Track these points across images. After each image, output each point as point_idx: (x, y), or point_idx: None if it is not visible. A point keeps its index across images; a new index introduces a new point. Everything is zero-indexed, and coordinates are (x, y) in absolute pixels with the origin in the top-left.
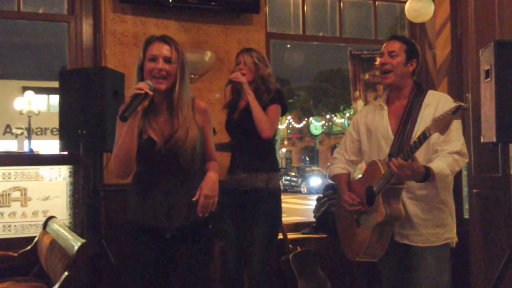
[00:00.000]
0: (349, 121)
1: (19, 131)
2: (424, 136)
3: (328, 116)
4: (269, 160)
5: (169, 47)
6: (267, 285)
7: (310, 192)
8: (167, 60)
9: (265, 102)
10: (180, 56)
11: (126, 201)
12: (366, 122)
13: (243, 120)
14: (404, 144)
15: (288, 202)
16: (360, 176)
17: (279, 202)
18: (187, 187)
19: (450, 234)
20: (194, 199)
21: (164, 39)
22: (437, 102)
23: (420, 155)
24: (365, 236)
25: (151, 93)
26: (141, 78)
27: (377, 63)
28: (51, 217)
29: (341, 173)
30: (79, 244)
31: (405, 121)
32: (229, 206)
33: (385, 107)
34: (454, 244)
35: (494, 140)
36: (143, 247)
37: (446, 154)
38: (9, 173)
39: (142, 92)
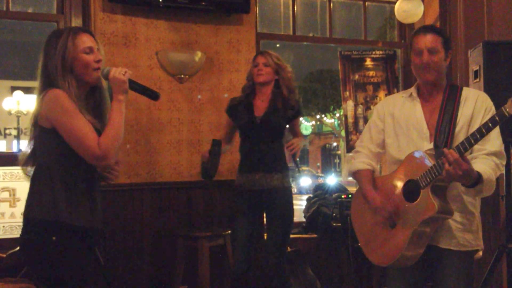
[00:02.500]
0: (339, 121)
1: (14, 132)
2: (501, 116)
3: (318, 116)
4: (282, 160)
5: (91, 36)
6: (282, 274)
7: (300, 192)
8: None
9: (291, 113)
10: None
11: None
12: (393, 113)
13: (269, 122)
14: (447, 138)
15: None
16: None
17: (292, 199)
18: (98, 192)
19: (480, 242)
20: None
21: (88, 31)
22: (477, 96)
23: None
24: (404, 237)
25: None
26: (62, 73)
27: (419, 59)
28: None
29: (365, 169)
30: None
31: (444, 114)
32: (243, 206)
33: (418, 98)
34: (481, 253)
35: None
36: (82, 250)
37: (485, 156)
38: None
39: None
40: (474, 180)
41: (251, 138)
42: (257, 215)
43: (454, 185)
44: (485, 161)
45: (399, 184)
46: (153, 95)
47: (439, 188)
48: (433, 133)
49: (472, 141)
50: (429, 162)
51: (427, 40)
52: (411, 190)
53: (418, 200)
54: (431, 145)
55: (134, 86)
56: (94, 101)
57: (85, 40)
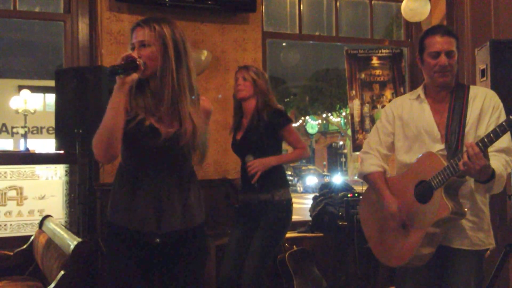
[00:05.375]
0: (345, 120)
1: (22, 130)
2: (510, 125)
3: (324, 115)
4: (273, 178)
5: (143, 29)
6: None
7: (306, 191)
8: (142, 44)
9: (272, 125)
10: (160, 36)
11: (110, 199)
12: (402, 116)
13: (246, 141)
14: (458, 138)
15: None
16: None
17: (284, 214)
18: (181, 189)
19: (492, 240)
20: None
21: (139, 23)
22: (485, 94)
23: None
24: (416, 237)
25: (142, 67)
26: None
27: (435, 61)
28: (47, 216)
29: (377, 171)
30: (75, 243)
31: (453, 115)
32: (236, 219)
33: (426, 100)
34: (489, 252)
35: None
36: (129, 251)
37: (495, 152)
38: (5, 172)
39: (138, 58)
40: (488, 176)
41: (240, 159)
42: (248, 227)
43: (466, 183)
44: (495, 157)
45: (411, 185)
46: (133, 65)
47: (452, 189)
48: (444, 134)
49: (482, 144)
50: (441, 163)
51: (445, 43)
52: (423, 191)
53: (430, 201)
54: (442, 146)
55: (116, 71)
56: (151, 89)
57: (133, 36)
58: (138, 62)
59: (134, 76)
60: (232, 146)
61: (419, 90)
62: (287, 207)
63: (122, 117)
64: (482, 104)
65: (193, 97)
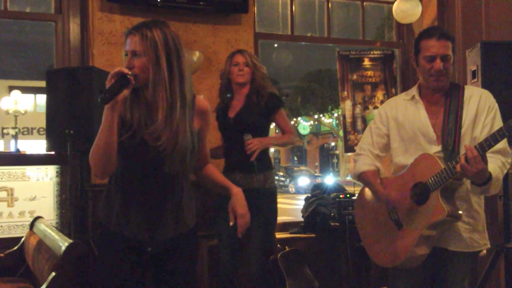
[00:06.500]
0: (337, 121)
1: (12, 131)
2: (509, 130)
3: (316, 116)
4: (264, 159)
5: (134, 37)
6: (266, 281)
7: (298, 192)
8: (134, 54)
9: (267, 107)
10: (151, 44)
11: (104, 200)
12: (397, 117)
13: (241, 119)
14: (454, 139)
15: None
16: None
17: (275, 201)
18: (173, 196)
19: (486, 241)
20: (231, 223)
21: (131, 30)
22: (480, 94)
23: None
24: (411, 238)
25: (133, 81)
26: None
27: (430, 65)
28: (38, 218)
29: (370, 170)
30: (66, 244)
31: (449, 116)
32: (223, 206)
33: (421, 101)
34: (485, 251)
35: None
36: (123, 255)
37: (491, 154)
38: None
39: (129, 73)
40: (485, 179)
41: (229, 139)
42: None
43: (462, 185)
44: (492, 159)
45: (407, 186)
46: (125, 82)
47: (449, 191)
48: (440, 135)
49: (480, 148)
50: (438, 165)
51: (441, 47)
52: (419, 193)
53: (427, 203)
54: (439, 148)
55: (109, 94)
56: (146, 98)
57: (127, 43)
58: (129, 77)
59: (126, 92)
60: (222, 124)
61: (414, 91)
62: (275, 193)
63: (116, 136)
64: (478, 104)
65: (185, 104)
